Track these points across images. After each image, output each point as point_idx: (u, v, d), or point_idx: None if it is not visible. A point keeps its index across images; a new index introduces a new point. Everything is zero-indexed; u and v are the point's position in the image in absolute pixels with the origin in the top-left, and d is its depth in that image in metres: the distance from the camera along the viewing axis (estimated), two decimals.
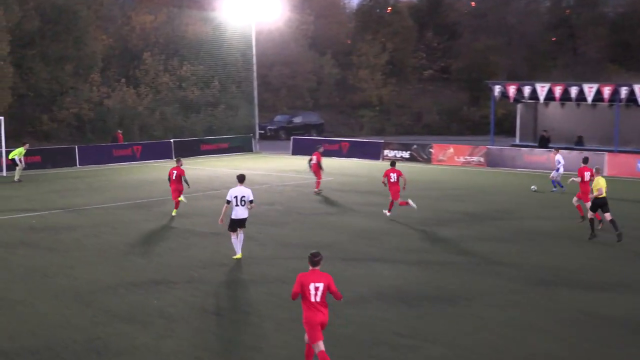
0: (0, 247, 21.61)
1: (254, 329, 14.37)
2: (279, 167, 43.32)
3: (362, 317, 15.05)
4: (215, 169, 43.10)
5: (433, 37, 77.82)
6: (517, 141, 50.65)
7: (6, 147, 41.33)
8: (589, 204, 23.72)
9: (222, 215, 19.95)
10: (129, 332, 14.13)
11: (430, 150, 46.02)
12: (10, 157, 39.14)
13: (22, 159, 38.72)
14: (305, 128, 63.87)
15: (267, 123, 63.49)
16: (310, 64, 70.21)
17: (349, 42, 76.39)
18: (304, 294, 11.77)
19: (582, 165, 25.61)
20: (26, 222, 25.73)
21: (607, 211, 22.61)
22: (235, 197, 19.63)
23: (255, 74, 55.91)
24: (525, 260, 20.16)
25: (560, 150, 34.57)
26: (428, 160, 45.67)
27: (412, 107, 71.73)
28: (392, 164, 26.90)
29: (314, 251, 12.13)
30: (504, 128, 59.06)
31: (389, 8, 77.41)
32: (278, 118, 65.96)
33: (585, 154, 31.54)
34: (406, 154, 46.74)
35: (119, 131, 52.47)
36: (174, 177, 26.79)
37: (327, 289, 11.86)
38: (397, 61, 73.99)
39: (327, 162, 45.36)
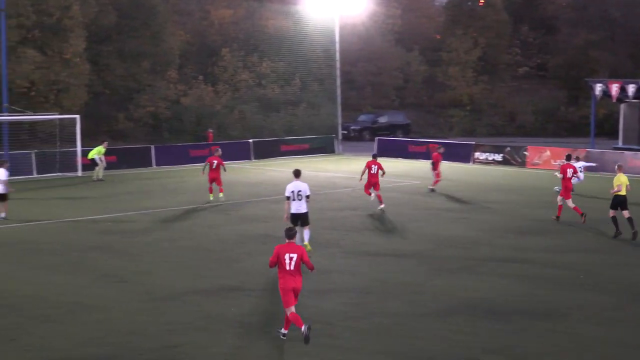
0: (75, 250, 22.16)
1: (333, 341, 14.38)
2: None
3: (449, 331, 14.93)
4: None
5: (528, 31, 76.67)
6: (620, 144, 49.52)
7: (82, 147, 42.34)
8: (570, 201, 25.86)
9: (286, 213, 20.82)
10: (204, 341, 14.31)
11: (525, 152, 45.35)
12: (89, 156, 40.09)
13: (103, 158, 39.65)
14: (391, 128, 63.64)
15: (351, 123, 63.46)
16: (396, 61, 69.98)
17: (438, 37, 75.86)
18: (280, 263, 13.86)
19: (565, 162, 27.27)
20: (101, 225, 26.32)
21: (626, 209, 23.53)
22: (292, 191, 20.69)
23: (338, 71, 55.92)
24: (623, 274, 19.71)
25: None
26: (522, 164, 44.99)
27: (505, 107, 70.81)
28: (374, 156, 30.06)
29: (289, 226, 14.63)
30: (606, 130, 57.83)
31: (482, 1, 76.62)
32: (362, 118, 65.91)
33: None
34: (499, 157, 46.15)
35: (210, 130, 53.15)
36: (214, 167, 30.68)
37: (300, 259, 13.87)
38: (490, 57, 73.13)
39: (415, 165, 45.21)
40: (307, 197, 20.83)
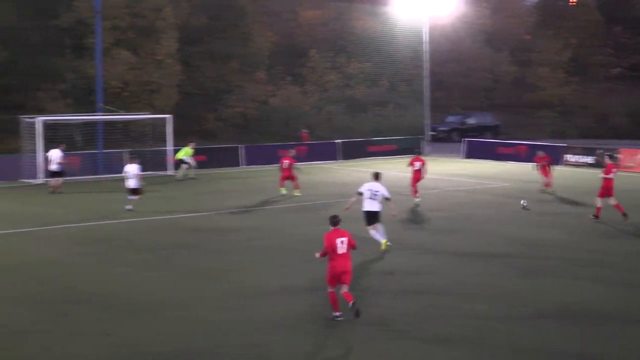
0: (165, 248, 22.51)
1: (415, 343, 14.24)
2: (451, 171, 42.89)
3: (542, 337, 14.63)
4: (382, 172, 43.17)
5: (622, 31, 74.88)
6: None
7: (173, 146, 43.04)
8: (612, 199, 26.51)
9: (348, 205, 22.23)
10: (292, 340, 14.34)
11: (617, 155, 44.28)
12: (177, 157, 40.73)
13: (192, 158, 40.24)
14: (480, 130, 62.94)
15: (439, 124, 62.99)
16: (485, 62, 69.21)
17: (528, 37, 74.74)
18: (333, 248, 15.20)
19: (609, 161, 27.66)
20: (192, 223, 26.69)
21: None
22: (369, 190, 21.91)
23: (427, 72, 55.56)
24: None
25: None
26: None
27: (597, 108, 69.26)
28: (417, 153, 32.70)
29: (333, 214, 16.07)
30: None
31: (573, 0, 75.20)
32: (450, 119, 65.38)
33: None
34: (590, 159, 45.19)
35: (304, 130, 53.48)
36: (285, 166, 33.30)
37: (350, 243, 15.37)
38: (581, 58, 71.71)
39: (504, 167, 44.62)
40: (387, 199, 21.86)
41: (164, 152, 43.19)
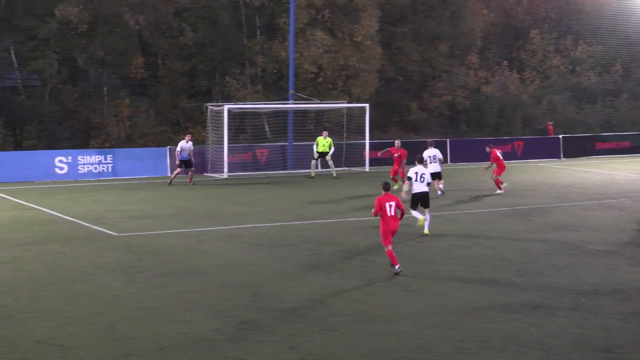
0: (360, 253, 22.77)
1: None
2: None
3: None
4: (612, 172, 41.98)
5: None
6: None
7: (370, 139, 43.49)
8: None
9: (403, 192, 25.70)
10: None
11: None
12: (320, 150, 40.64)
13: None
14: None
15: None
16: None
17: None
18: (382, 211, 19.79)
19: None
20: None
21: None
22: (416, 173, 25.19)
23: None
24: None
25: None
26: None
27: None
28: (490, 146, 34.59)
29: (385, 181, 20.88)
30: None
31: None
32: None
33: None
34: None
35: (549, 122, 52.93)
36: (396, 155, 35.93)
37: (397, 205, 19.94)
38: None
39: None
40: (428, 184, 25.53)
41: (361, 146, 43.72)
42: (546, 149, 49.08)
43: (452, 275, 20.40)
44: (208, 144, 42.85)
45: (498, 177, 34.18)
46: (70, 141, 46.18)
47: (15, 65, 47.72)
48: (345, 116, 45.86)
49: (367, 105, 44.69)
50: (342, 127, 45.51)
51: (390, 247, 19.99)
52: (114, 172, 41.23)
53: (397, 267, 19.97)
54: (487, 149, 35.06)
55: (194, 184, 38.05)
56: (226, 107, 41.48)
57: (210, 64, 51.51)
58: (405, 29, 57.14)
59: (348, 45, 52.33)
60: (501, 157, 33.91)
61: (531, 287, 19.23)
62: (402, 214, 20.31)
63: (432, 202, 26.12)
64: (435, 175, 32.34)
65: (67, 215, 29.46)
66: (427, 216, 25.39)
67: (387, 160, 42.96)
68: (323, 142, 40.23)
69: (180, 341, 14.92)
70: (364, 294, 18.51)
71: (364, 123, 44.13)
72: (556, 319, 16.61)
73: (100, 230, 26.44)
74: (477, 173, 40.99)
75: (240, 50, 51.92)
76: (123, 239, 25.05)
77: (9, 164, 39.83)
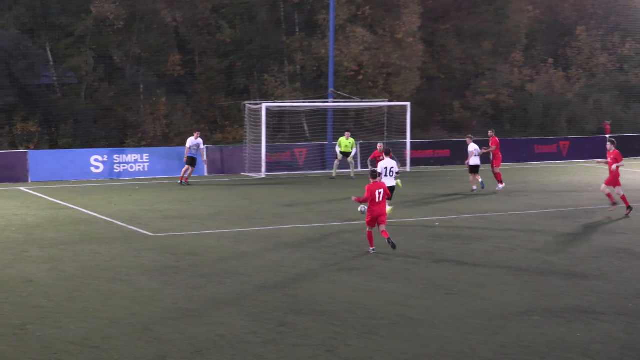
0: (401, 256, 22.73)
1: None
2: None
3: None
4: None
5: None
6: None
7: (411, 138, 43.44)
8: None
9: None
10: None
11: None
12: (343, 150, 40.62)
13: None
14: None
15: None
16: None
17: None
18: (372, 197, 22.37)
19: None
20: (431, 228, 26.89)
21: None
22: (385, 167, 27.44)
23: None
24: None
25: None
26: None
27: None
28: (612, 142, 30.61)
29: (373, 168, 24.20)
30: None
31: None
32: None
33: None
34: None
35: (607, 122, 52.68)
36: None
37: (385, 192, 22.64)
38: None
39: None
40: (397, 173, 28.05)
41: (402, 145, 43.68)
42: (593, 149, 48.72)
43: (495, 278, 20.33)
44: (246, 143, 42.98)
45: (499, 170, 35.34)
46: (106, 140, 46.56)
47: (51, 63, 48.18)
48: (386, 115, 45.84)
49: (408, 103, 44.62)
50: (383, 126, 45.49)
51: (383, 228, 22.72)
52: (150, 171, 41.48)
53: (372, 249, 22.88)
54: (490, 133, 36.22)
55: (188, 184, 38.06)
56: (264, 105, 41.58)
57: (248, 62, 51.69)
58: (447, 25, 57.04)
59: (389, 43, 52.28)
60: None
61: (576, 291, 19.13)
62: (389, 198, 24.79)
63: (474, 202, 26.04)
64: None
65: (103, 215, 29.70)
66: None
67: (428, 160, 42.95)
68: (345, 143, 40.34)
69: (216, 343, 15.00)
70: (404, 297, 18.49)
71: (405, 122, 44.08)
72: (602, 324, 16.50)
73: (136, 231, 26.62)
74: (520, 174, 40.83)
75: (279, 47, 52.06)
76: (159, 239, 25.21)
77: (44, 162, 40.20)
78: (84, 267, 21.25)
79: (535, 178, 39.67)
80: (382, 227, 22.64)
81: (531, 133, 53.65)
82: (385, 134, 44.96)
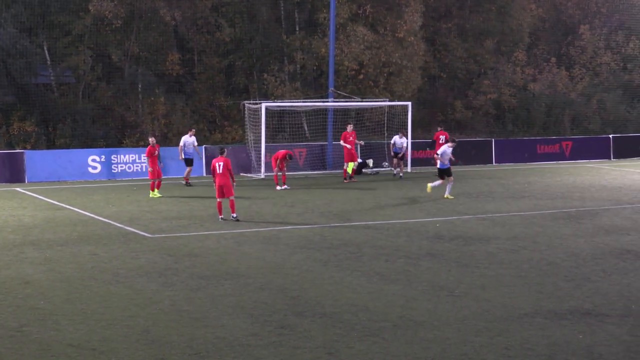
0: (403, 257, 22.73)
1: None
2: None
3: None
4: None
5: None
6: None
7: (412, 138, 43.43)
8: None
9: None
10: None
11: None
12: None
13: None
14: None
15: None
16: None
17: None
18: (214, 169, 27.17)
19: None
20: (432, 229, 26.88)
21: None
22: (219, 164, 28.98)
23: None
24: None
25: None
26: None
27: None
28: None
29: (220, 146, 27.97)
30: None
31: None
32: None
33: None
34: None
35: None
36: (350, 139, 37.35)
37: (226, 166, 27.25)
38: None
39: None
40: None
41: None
42: (597, 150, 48.71)
43: (498, 280, 20.32)
44: (246, 143, 42.97)
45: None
46: (104, 140, 46.53)
47: (49, 62, 48.17)
48: (386, 114, 45.85)
49: (409, 103, 44.65)
50: (384, 126, 45.48)
51: (219, 200, 27.79)
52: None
53: (220, 217, 27.66)
54: (439, 128, 36.22)
55: (190, 184, 38.17)
56: (264, 105, 41.58)
57: (248, 61, 51.68)
58: (450, 24, 57.02)
59: (390, 42, 52.27)
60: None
61: (580, 292, 19.12)
62: (231, 175, 27.74)
63: (476, 203, 25.98)
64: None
65: (101, 216, 29.71)
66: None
67: (430, 161, 42.91)
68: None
69: (216, 346, 14.99)
70: (406, 299, 18.48)
71: (407, 122, 44.07)
72: (606, 326, 16.49)
73: (134, 232, 26.63)
74: (523, 174, 40.83)
75: (279, 46, 52.07)
76: (158, 240, 25.22)
77: (42, 163, 40.22)
78: (82, 269, 21.25)
79: (538, 179, 39.65)
80: (220, 200, 27.97)
81: (534, 133, 53.66)
82: (386, 134, 44.95)
